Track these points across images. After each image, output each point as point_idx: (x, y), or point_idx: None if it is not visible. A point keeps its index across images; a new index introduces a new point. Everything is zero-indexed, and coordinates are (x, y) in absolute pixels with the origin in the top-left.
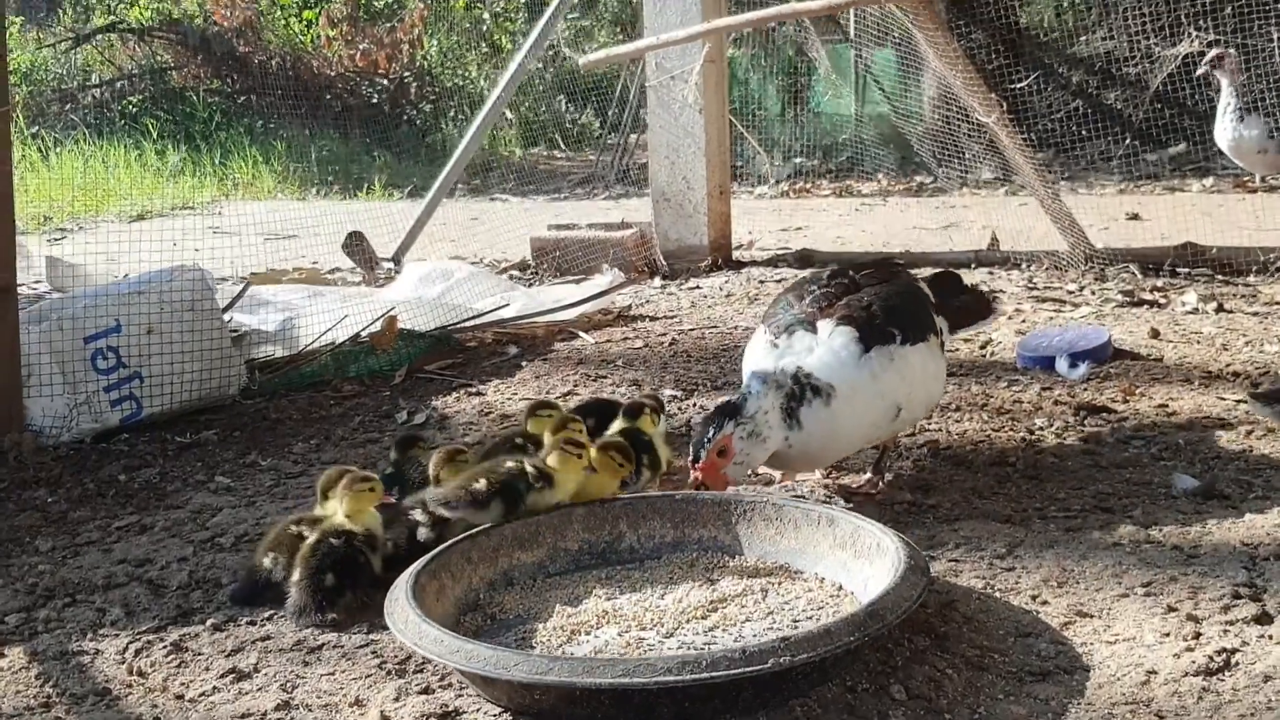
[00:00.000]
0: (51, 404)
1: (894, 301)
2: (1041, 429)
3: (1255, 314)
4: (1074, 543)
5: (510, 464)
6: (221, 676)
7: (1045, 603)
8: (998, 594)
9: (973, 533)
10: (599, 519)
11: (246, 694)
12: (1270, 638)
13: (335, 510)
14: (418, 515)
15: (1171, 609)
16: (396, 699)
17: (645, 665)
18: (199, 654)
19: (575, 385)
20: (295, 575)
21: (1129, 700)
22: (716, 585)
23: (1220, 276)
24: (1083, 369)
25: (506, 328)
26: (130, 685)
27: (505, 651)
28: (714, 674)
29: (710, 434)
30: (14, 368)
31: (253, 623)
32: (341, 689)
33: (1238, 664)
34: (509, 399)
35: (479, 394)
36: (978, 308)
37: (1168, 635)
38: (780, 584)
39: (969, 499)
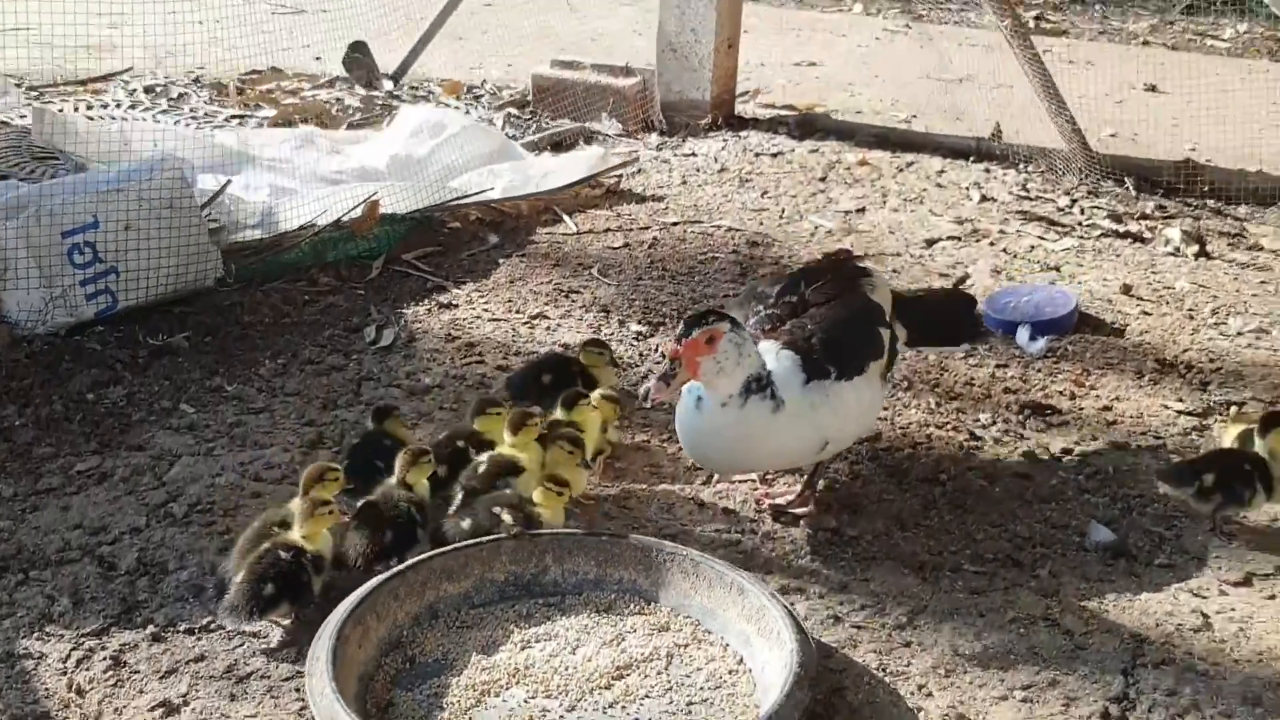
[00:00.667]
0: (27, 297)
1: (835, 332)
2: (983, 429)
3: (1232, 264)
4: (974, 613)
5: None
6: (152, 709)
7: (930, 695)
8: (888, 679)
9: (882, 586)
10: (526, 552)
11: None
12: None
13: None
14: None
15: None
16: None
17: None
18: (135, 671)
19: (545, 304)
20: (239, 576)
21: None
22: (625, 645)
23: (1211, 203)
24: (1041, 344)
25: (491, 205)
26: (68, 705)
27: None
28: None
29: (709, 320)
30: None
31: (191, 631)
32: None
33: None
34: (479, 315)
35: (450, 306)
36: (949, 331)
37: None
38: (686, 648)
39: (890, 531)
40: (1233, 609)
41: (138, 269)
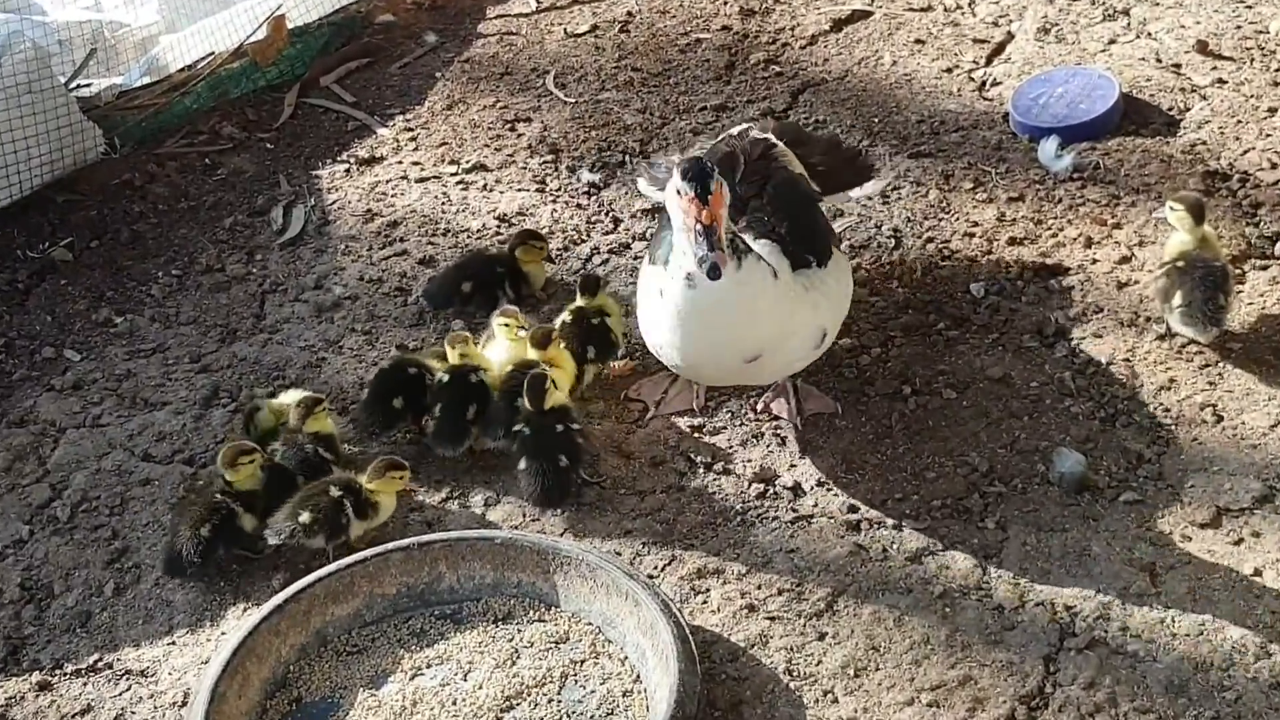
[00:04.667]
0: None
1: (796, 221)
2: (972, 307)
3: None
4: (901, 589)
5: None
6: None
7: (835, 701)
8: (794, 684)
9: (808, 559)
10: (417, 562)
11: None
12: None
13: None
14: None
15: None
16: None
17: None
18: None
19: (486, 146)
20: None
21: None
22: (518, 666)
23: None
24: (1068, 161)
25: None
26: None
27: None
28: None
29: (711, 169)
30: None
31: (78, 673)
32: None
33: None
34: (405, 174)
35: (372, 160)
36: (850, 177)
37: None
38: (583, 665)
39: (834, 473)
40: (1188, 561)
41: (6, 164)
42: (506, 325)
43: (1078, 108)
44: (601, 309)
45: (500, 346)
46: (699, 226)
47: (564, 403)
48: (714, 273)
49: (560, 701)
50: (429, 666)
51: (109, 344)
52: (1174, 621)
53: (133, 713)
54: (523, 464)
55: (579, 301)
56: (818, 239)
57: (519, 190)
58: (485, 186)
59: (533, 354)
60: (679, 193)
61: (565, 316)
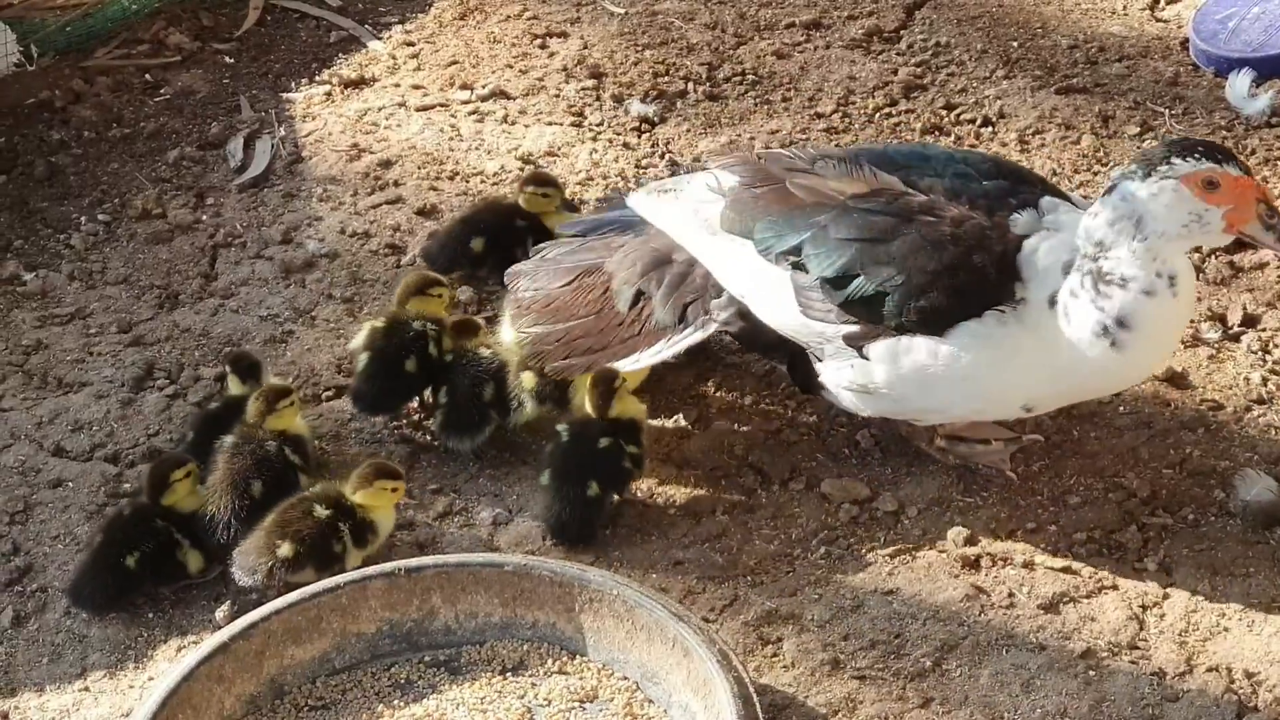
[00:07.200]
0: None
1: None
2: None
3: None
4: (1031, 644)
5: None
6: None
7: None
8: None
9: (909, 604)
10: (404, 592)
11: None
12: None
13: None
14: None
15: None
16: None
17: None
18: None
19: (508, 66)
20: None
21: None
22: None
23: None
24: (1264, 101)
25: None
26: None
27: None
28: None
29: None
30: None
31: None
32: None
33: None
34: (403, 100)
35: (361, 82)
36: None
37: None
38: None
39: (947, 499)
40: None
41: None
42: None
43: (1276, 35)
44: None
45: None
46: (1265, 208)
47: (634, 414)
48: None
49: None
50: None
51: (15, 307)
52: None
53: None
54: (545, 479)
55: None
56: None
57: (549, 124)
58: (506, 118)
59: None
60: (1206, 183)
61: None
